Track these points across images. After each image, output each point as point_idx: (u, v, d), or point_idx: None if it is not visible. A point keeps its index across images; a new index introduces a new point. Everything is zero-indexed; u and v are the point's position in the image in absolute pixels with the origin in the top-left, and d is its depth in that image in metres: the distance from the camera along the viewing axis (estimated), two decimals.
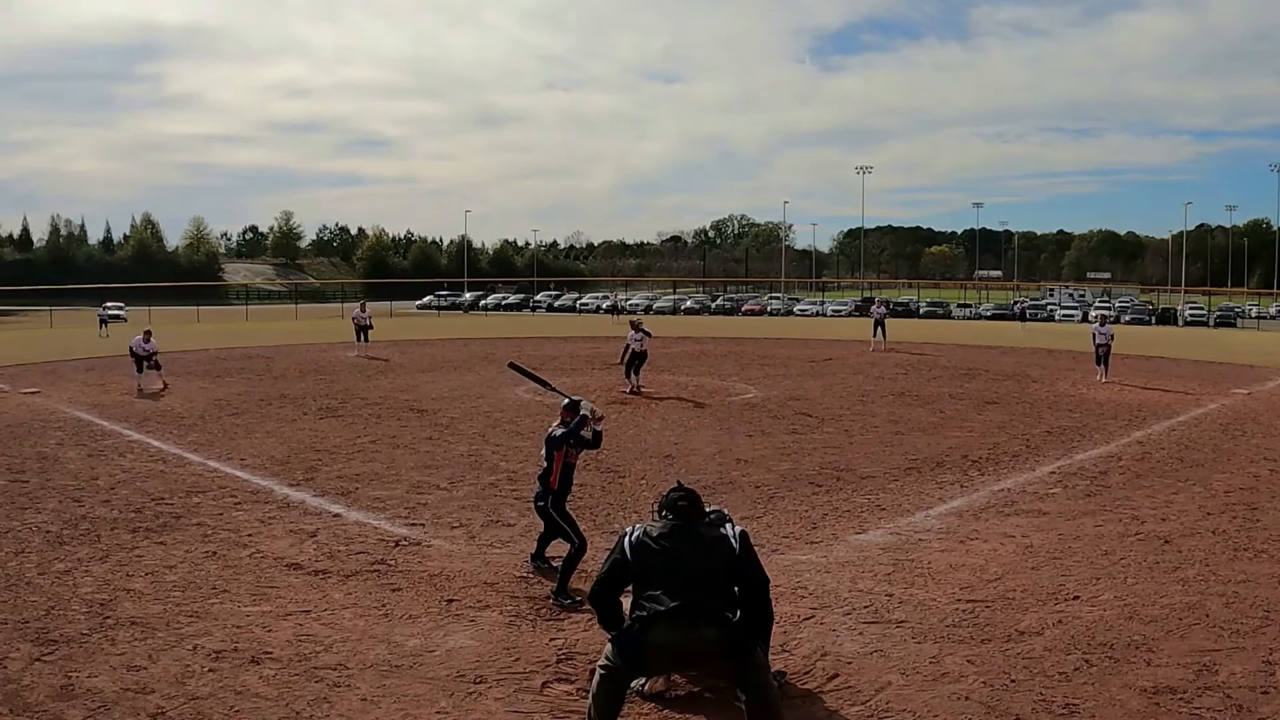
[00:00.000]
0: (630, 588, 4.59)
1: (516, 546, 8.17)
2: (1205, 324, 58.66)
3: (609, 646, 4.56)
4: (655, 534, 4.63)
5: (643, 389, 18.96)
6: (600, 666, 4.59)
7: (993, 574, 7.37)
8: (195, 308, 56.92)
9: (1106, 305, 64.96)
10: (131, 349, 20.40)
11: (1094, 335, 22.34)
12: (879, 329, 30.92)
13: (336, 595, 6.93)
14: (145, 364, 20.17)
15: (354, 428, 14.69)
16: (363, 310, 28.71)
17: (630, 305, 69.03)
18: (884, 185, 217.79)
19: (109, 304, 57.92)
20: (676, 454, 12.45)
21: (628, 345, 19.54)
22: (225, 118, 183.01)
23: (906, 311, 68.44)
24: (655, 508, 4.85)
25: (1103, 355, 21.64)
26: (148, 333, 21.04)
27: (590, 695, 4.61)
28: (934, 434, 14.21)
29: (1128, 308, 66.27)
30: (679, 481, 4.94)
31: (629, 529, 4.69)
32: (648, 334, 19.89)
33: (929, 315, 66.69)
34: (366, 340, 27.98)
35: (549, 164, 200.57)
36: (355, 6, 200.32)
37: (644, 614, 4.46)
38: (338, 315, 54.50)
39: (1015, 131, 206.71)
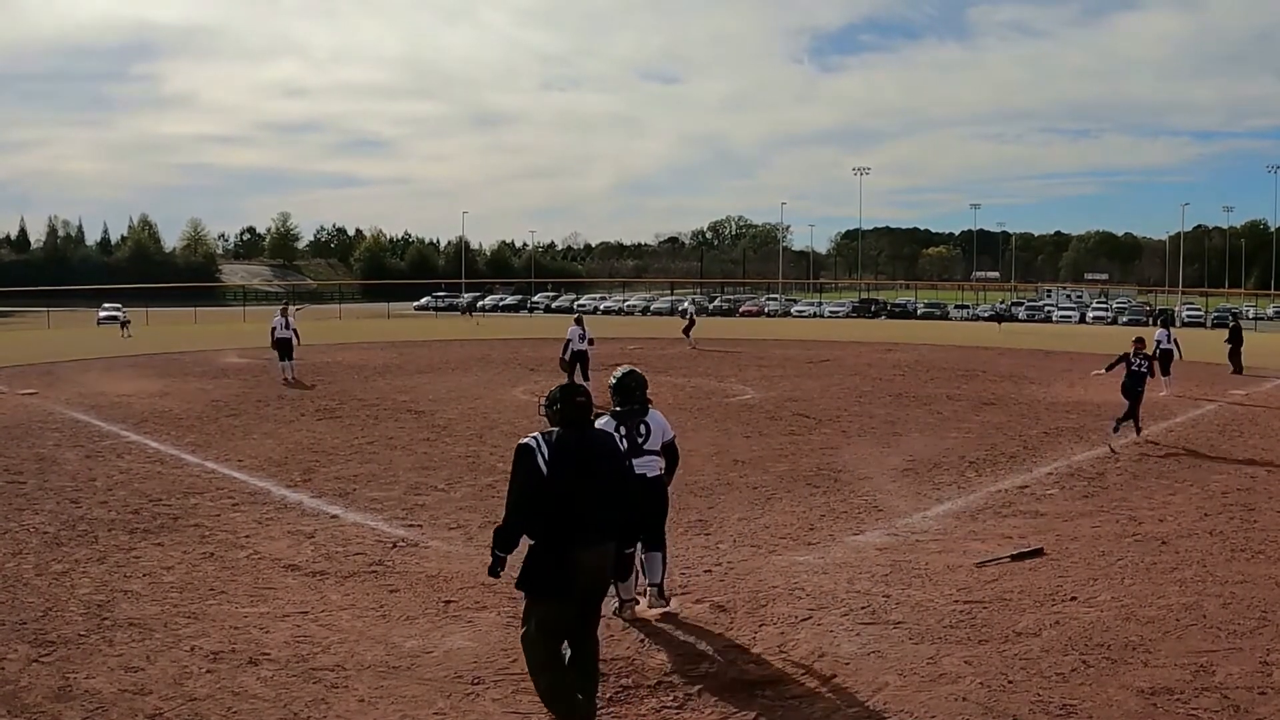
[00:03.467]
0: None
1: None
2: (1203, 325, 58.75)
3: (535, 604, 4.46)
4: (564, 440, 4.49)
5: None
6: (529, 638, 4.48)
7: (989, 575, 7.37)
8: (193, 309, 56.92)
9: (1141, 307, 65.01)
10: (273, 330, 21.06)
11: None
12: (689, 329, 32.71)
13: (334, 596, 6.92)
14: (286, 350, 20.88)
15: (351, 429, 14.68)
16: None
17: (629, 306, 68.79)
18: (882, 186, 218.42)
19: (108, 305, 58.03)
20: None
21: (568, 342, 18.88)
22: (222, 118, 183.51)
23: (904, 313, 68.64)
24: (543, 403, 4.70)
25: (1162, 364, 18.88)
26: (284, 308, 21.92)
27: (535, 675, 4.51)
28: (931, 435, 14.22)
29: (1125, 309, 66.39)
30: (570, 378, 4.88)
31: (529, 442, 4.49)
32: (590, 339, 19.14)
33: (926, 316, 66.84)
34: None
35: (546, 165, 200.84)
36: (351, 5, 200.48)
37: (560, 534, 4.39)
38: (335, 317, 54.53)
39: (1014, 132, 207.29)
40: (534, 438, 4.55)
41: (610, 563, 4.65)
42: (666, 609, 6.46)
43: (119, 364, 25.66)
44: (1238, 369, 24.14)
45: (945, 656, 5.75)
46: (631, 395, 6.38)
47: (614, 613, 6.39)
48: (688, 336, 32.17)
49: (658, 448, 6.46)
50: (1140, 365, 13.82)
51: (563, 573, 4.40)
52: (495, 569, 4.64)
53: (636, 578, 6.52)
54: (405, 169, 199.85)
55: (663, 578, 6.59)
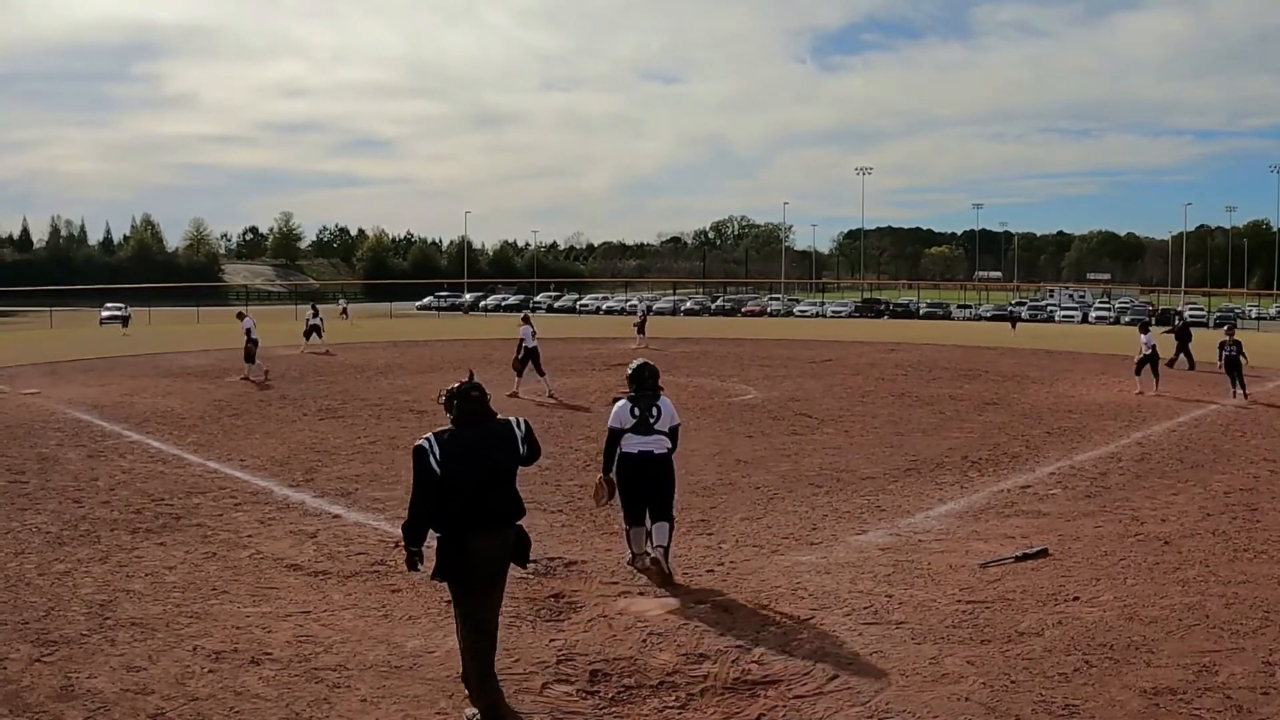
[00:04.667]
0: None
1: None
2: (1205, 325, 58.66)
3: (451, 589, 4.89)
4: (457, 437, 4.83)
5: (553, 394, 18.45)
6: (457, 620, 4.92)
7: (992, 575, 7.37)
8: (195, 309, 56.90)
9: (1144, 307, 65.01)
10: (249, 332, 21.62)
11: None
12: (642, 327, 33.19)
13: (336, 596, 6.93)
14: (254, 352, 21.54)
15: (354, 429, 14.69)
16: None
17: (631, 306, 68.72)
18: (884, 186, 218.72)
19: (110, 304, 58.20)
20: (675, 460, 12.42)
21: (521, 342, 19.12)
22: (223, 118, 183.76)
23: (907, 313, 68.62)
24: (444, 399, 4.98)
25: (1140, 365, 19.39)
26: (240, 314, 23.09)
27: (463, 658, 4.91)
28: (934, 435, 14.21)
29: (1127, 309, 66.36)
30: (471, 373, 5.12)
31: (422, 444, 4.83)
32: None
33: (929, 316, 66.79)
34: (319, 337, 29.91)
35: (548, 164, 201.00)
36: (352, 5, 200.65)
37: (458, 524, 4.74)
38: (338, 316, 54.54)
39: (1016, 132, 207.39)
40: (427, 439, 4.86)
41: (510, 548, 4.95)
42: (665, 570, 7.15)
43: (121, 364, 25.68)
44: (1191, 365, 24.32)
45: (948, 656, 5.74)
46: (644, 383, 7.36)
47: (628, 564, 7.40)
48: (639, 334, 32.67)
49: (666, 429, 7.36)
50: (1230, 350, 18.70)
51: (462, 559, 4.77)
52: (411, 562, 4.99)
53: (648, 537, 7.29)
54: (406, 169, 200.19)
55: (669, 541, 7.28)
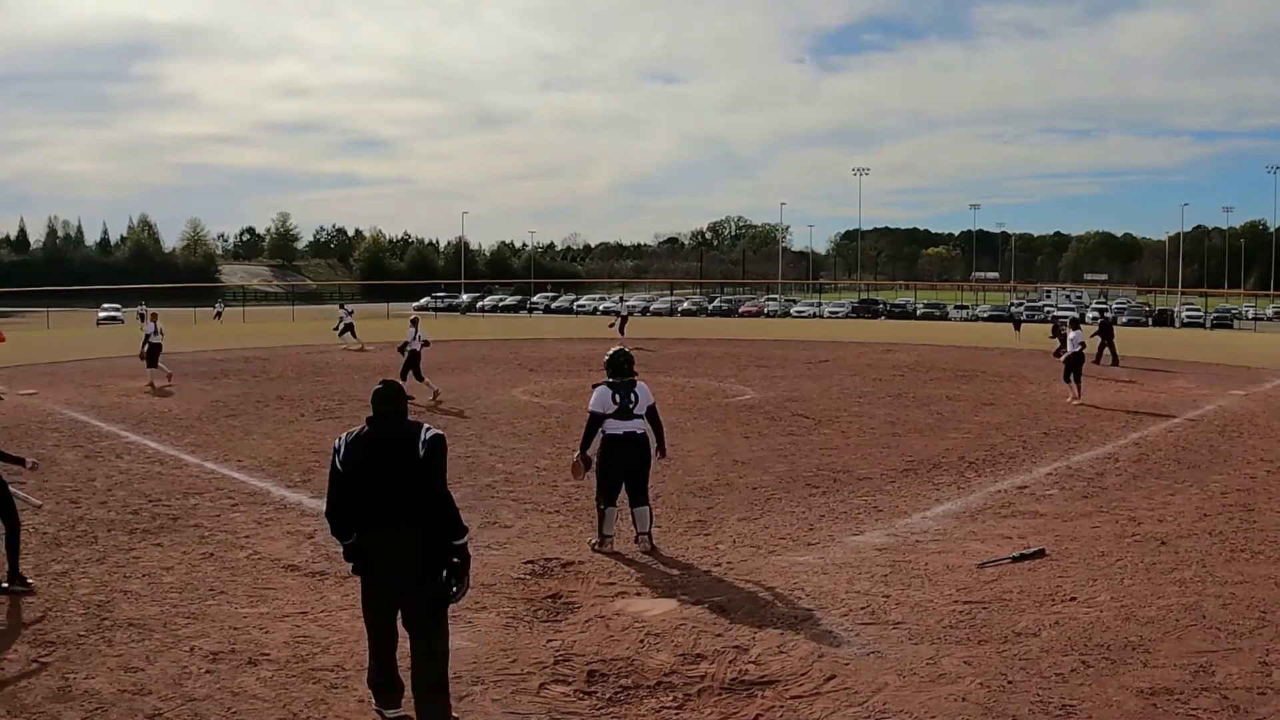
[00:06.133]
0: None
1: (513, 549, 8.17)
2: (1202, 325, 58.75)
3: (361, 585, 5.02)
4: (360, 438, 5.05)
5: (438, 397, 17.53)
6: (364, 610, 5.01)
7: (989, 575, 7.38)
8: (192, 309, 56.81)
9: (1141, 307, 65.14)
10: (148, 336, 20.79)
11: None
12: (623, 326, 34.08)
13: (334, 596, 6.92)
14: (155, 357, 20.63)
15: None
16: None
17: (627, 309, 68.83)
18: (882, 186, 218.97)
19: (107, 305, 58.12)
20: (672, 455, 12.41)
21: (421, 342, 18.54)
22: (221, 118, 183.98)
23: (904, 313, 68.68)
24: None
25: (1069, 369, 18.37)
26: (151, 313, 22.70)
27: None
28: (931, 435, 14.22)
29: (1125, 309, 66.40)
30: (402, 378, 5.30)
31: (335, 443, 5.06)
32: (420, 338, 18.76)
33: (925, 317, 66.85)
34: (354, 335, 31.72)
35: (546, 165, 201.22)
36: (352, 5, 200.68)
37: (355, 522, 4.90)
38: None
39: (1015, 132, 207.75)
40: (339, 438, 5.09)
41: (410, 551, 4.77)
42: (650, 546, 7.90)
43: (119, 364, 25.64)
44: (1115, 361, 25.55)
45: (945, 657, 5.75)
46: (619, 369, 7.95)
47: (594, 547, 7.90)
48: (621, 333, 32.95)
49: (643, 412, 7.96)
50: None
51: (359, 556, 4.91)
52: (345, 554, 5.07)
53: (642, 521, 7.93)
54: (406, 169, 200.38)
55: (650, 527, 7.99)
